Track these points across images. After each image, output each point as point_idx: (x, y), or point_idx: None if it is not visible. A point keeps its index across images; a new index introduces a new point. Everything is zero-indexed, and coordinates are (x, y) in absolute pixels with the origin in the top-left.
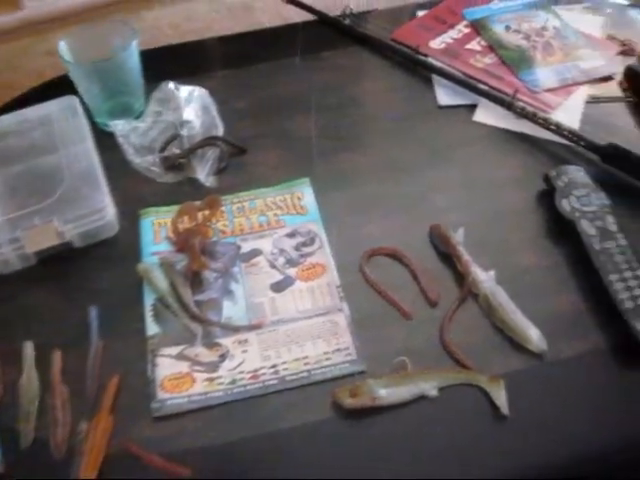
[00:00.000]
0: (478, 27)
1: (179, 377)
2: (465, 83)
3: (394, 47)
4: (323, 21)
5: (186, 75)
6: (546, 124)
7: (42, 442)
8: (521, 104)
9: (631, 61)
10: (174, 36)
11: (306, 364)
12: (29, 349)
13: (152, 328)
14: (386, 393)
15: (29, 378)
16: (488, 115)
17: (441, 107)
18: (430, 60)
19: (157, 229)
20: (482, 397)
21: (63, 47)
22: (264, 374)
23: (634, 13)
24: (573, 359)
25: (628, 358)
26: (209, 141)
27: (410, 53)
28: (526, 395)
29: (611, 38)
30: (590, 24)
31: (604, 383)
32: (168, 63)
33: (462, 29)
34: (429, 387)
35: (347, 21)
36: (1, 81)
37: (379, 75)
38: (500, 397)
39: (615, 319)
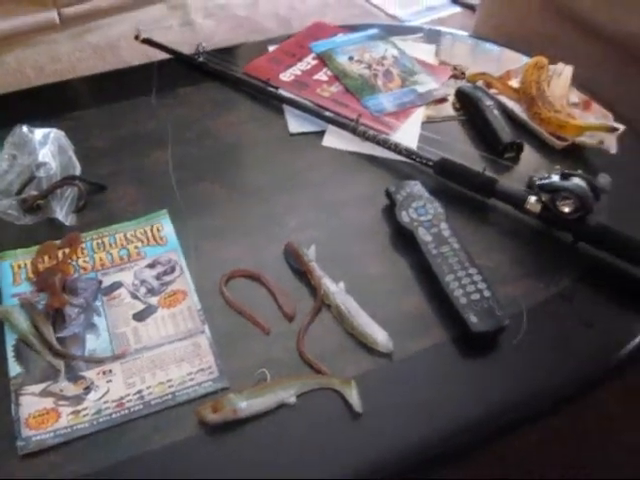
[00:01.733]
0: (324, 58)
1: (44, 413)
2: (313, 111)
3: (246, 81)
4: (179, 59)
5: (42, 118)
6: (386, 144)
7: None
8: (363, 128)
9: (461, 83)
10: (37, 78)
11: (170, 386)
12: None
13: (14, 368)
14: (247, 405)
15: None
16: (335, 140)
17: (292, 134)
18: (280, 91)
19: (17, 271)
20: (338, 399)
21: None
22: (129, 401)
23: (462, 40)
24: (418, 354)
25: (466, 348)
26: (67, 181)
27: (261, 86)
28: (378, 392)
29: (443, 64)
30: (424, 52)
31: (447, 372)
32: (23, 107)
33: (310, 61)
34: (287, 395)
35: (201, 58)
36: None
37: (233, 108)
38: (353, 396)
39: (453, 315)
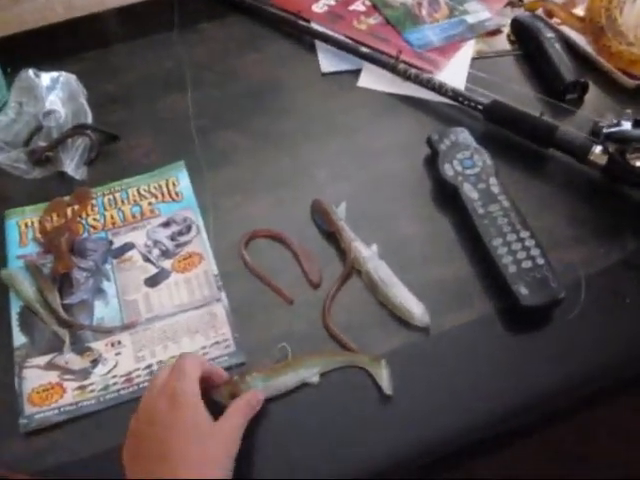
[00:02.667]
0: None
1: (48, 388)
2: (347, 47)
3: (273, 14)
4: None
5: (54, 59)
6: (430, 85)
7: None
8: (404, 66)
9: (518, 12)
10: (67, 14)
11: None
12: None
13: (19, 338)
14: (265, 386)
15: None
16: (373, 79)
17: (324, 74)
18: (312, 25)
19: (23, 230)
20: (366, 378)
21: None
22: (138, 376)
23: None
24: (458, 329)
25: (513, 323)
26: (77, 130)
27: (290, 19)
28: (412, 371)
29: None
30: None
31: (490, 350)
32: (32, 48)
33: None
34: (310, 374)
35: None
36: None
37: (260, 45)
38: (383, 377)
39: (499, 284)
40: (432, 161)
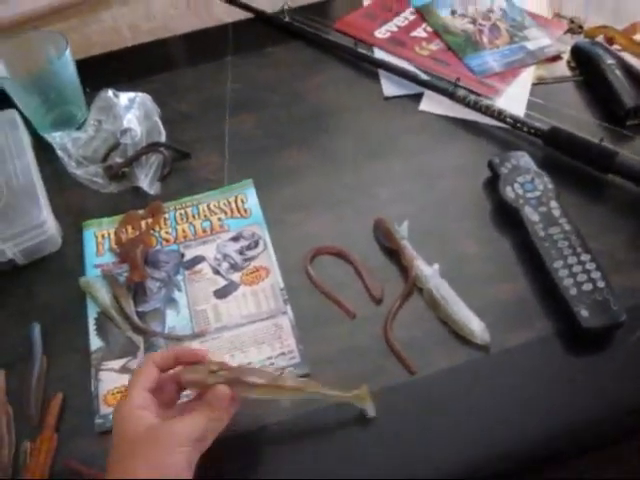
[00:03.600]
0: (424, 13)
1: (122, 390)
2: (407, 74)
3: (335, 42)
4: (263, 19)
5: (128, 80)
6: (489, 111)
7: None
8: (463, 92)
9: (578, 39)
10: (134, 37)
11: None
12: None
13: (95, 342)
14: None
15: None
16: (434, 104)
17: (387, 98)
18: (375, 51)
19: (100, 241)
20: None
21: None
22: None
23: None
24: (518, 348)
25: (573, 344)
26: (152, 148)
27: (351, 47)
28: (472, 388)
29: (557, 16)
30: (536, 3)
31: (550, 371)
32: (110, 69)
33: (408, 16)
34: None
35: (286, 18)
36: None
37: (323, 69)
38: (368, 407)
39: (559, 306)
40: (493, 183)
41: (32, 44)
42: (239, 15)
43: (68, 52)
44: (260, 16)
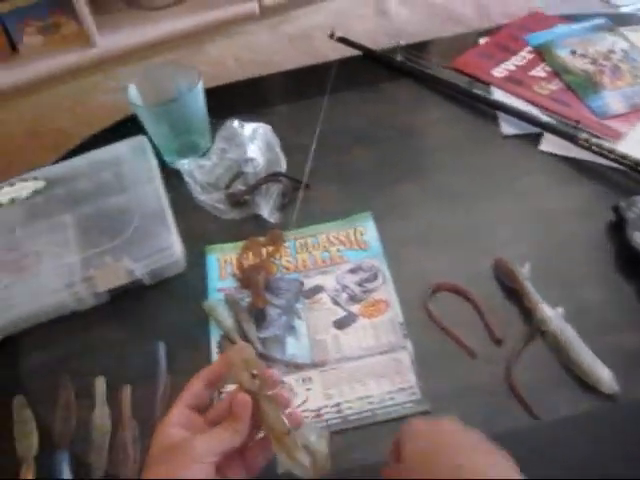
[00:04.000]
0: (542, 52)
1: None
2: (526, 116)
3: (447, 82)
4: (373, 57)
5: (250, 111)
6: (611, 156)
7: (114, 477)
8: (585, 135)
9: None
10: (237, 69)
11: (370, 403)
12: (101, 384)
13: None
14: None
15: (101, 412)
16: (555, 144)
17: (505, 137)
18: (493, 90)
19: (222, 265)
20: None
21: (132, 91)
22: (327, 412)
23: None
24: None
25: None
26: (272, 177)
27: (465, 87)
28: (602, 438)
29: None
30: None
31: None
32: (232, 100)
33: (525, 55)
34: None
35: (399, 57)
36: (76, 118)
37: (440, 104)
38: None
39: None
40: (617, 228)
41: (165, 74)
42: (342, 51)
43: (200, 85)
44: (371, 54)
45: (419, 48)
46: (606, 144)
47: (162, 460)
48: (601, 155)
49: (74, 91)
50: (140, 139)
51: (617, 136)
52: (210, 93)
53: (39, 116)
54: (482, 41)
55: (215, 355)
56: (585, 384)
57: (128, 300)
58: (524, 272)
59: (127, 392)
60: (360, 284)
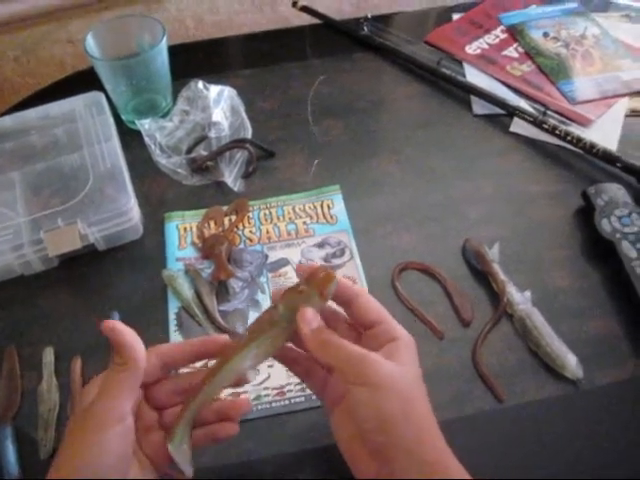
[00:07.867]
0: (515, 33)
1: None
2: (495, 100)
3: (419, 61)
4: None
5: (213, 73)
6: (579, 144)
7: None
8: (553, 122)
9: None
10: (197, 29)
11: None
12: (49, 355)
13: (175, 337)
14: None
15: (49, 385)
16: (525, 126)
17: (476, 115)
18: (465, 66)
19: (182, 234)
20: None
21: (90, 42)
22: (290, 391)
23: None
24: (610, 387)
25: None
26: (238, 144)
27: (436, 67)
28: (558, 423)
29: None
30: (629, 33)
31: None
32: (195, 60)
33: (499, 34)
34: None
35: (365, 30)
36: (22, 69)
37: (413, 79)
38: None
39: None
40: (586, 214)
41: (127, 28)
42: (308, 18)
43: (164, 41)
44: (332, 24)
45: (387, 22)
46: (575, 132)
47: (76, 426)
48: (569, 143)
49: (20, 41)
50: (96, 94)
51: (587, 122)
52: (172, 51)
53: None
54: (455, 17)
55: (173, 328)
56: (551, 369)
57: (80, 266)
58: (493, 254)
59: (77, 364)
60: (326, 259)
